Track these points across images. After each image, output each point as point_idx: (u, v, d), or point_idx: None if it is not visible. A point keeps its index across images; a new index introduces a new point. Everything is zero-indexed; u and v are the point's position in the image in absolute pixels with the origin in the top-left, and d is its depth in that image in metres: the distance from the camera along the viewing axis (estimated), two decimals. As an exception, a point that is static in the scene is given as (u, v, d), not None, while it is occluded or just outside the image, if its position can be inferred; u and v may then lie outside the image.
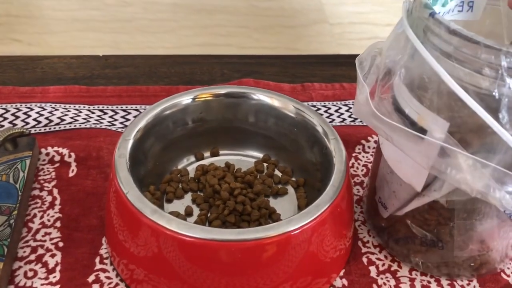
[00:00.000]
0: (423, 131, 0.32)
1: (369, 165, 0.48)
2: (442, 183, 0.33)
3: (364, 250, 0.40)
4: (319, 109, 0.54)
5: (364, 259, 0.40)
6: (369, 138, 0.50)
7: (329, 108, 0.54)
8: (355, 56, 0.72)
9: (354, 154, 0.49)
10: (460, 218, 0.34)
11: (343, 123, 0.52)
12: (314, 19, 1.96)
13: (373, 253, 0.40)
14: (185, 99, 0.41)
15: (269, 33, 1.87)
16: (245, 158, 0.45)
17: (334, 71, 0.61)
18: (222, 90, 0.42)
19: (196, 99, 0.41)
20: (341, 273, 0.38)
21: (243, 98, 0.42)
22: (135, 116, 0.52)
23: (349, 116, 0.53)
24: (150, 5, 1.96)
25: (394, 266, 0.39)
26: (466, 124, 0.30)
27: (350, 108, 0.54)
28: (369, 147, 0.49)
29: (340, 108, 0.54)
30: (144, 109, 0.52)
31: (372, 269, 0.39)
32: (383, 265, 0.39)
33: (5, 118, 0.50)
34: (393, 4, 2.07)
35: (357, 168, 0.47)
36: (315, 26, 1.93)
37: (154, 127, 0.40)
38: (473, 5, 0.37)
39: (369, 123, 0.34)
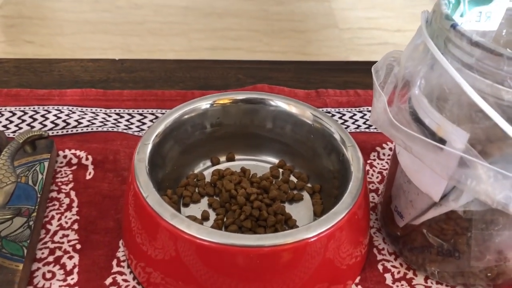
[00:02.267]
0: (442, 141, 0.32)
1: (384, 172, 0.48)
2: (460, 193, 0.33)
3: (379, 257, 0.40)
4: (333, 115, 0.54)
5: (380, 267, 0.40)
6: (384, 145, 0.50)
7: (344, 115, 0.54)
8: (368, 62, 0.72)
9: (369, 161, 0.49)
10: (477, 229, 0.34)
11: (357, 130, 0.52)
12: (324, 24, 1.97)
13: (388, 261, 0.40)
14: (204, 104, 0.41)
15: (279, 37, 1.87)
16: (260, 164, 0.46)
17: (346, 78, 0.62)
18: (241, 95, 0.42)
19: (215, 104, 0.42)
20: (357, 280, 0.39)
21: (261, 104, 0.42)
22: (151, 120, 0.52)
23: (364, 123, 0.53)
24: (160, 8, 1.98)
25: (410, 274, 0.39)
26: (487, 135, 0.30)
27: (364, 115, 0.54)
28: (384, 154, 0.49)
29: (354, 114, 0.54)
30: (162, 113, 0.53)
31: (388, 276, 0.39)
32: (399, 272, 0.39)
33: (23, 120, 0.51)
34: (403, 10, 2.07)
35: (372, 175, 0.48)
36: (325, 31, 1.94)
37: (172, 131, 0.40)
38: (491, 15, 0.37)
39: (387, 132, 0.35)
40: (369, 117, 0.53)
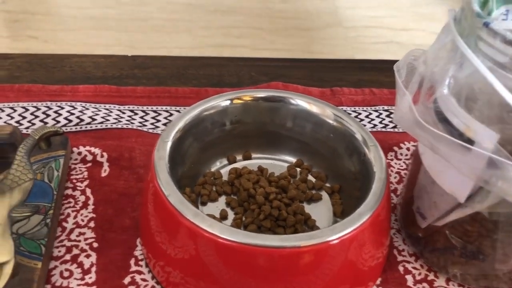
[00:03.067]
0: (470, 141, 0.31)
1: (402, 172, 0.47)
2: (486, 194, 0.33)
3: (400, 258, 0.40)
4: (349, 114, 0.54)
5: (400, 268, 0.39)
6: (401, 145, 0.50)
7: (360, 114, 0.54)
8: (382, 61, 0.72)
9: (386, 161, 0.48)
10: (504, 231, 0.34)
11: (374, 129, 0.52)
12: (328, 22, 1.96)
13: (409, 262, 0.40)
14: (224, 101, 0.41)
15: (283, 35, 1.87)
16: (277, 163, 0.45)
17: (360, 76, 0.61)
18: (261, 93, 0.42)
19: (235, 101, 0.41)
20: (378, 282, 0.38)
21: (281, 102, 0.41)
22: (165, 117, 0.52)
23: (380, 122, 0.53)
24: (165, 5, 1.97)
25: (431, 276, 0.39)
26: (519, 136, 0.29)
27: (380, 114, 0.54)
28: (401, 154, 0.49)
29: (370, 113, 0.54)
30: (176, 110, 0.53)
31: (409, 278, 0.39)
32: (420, 274, 0.39)
33: (36, 116, 0.50)
34: (408, 9, 2.06)
35: (390, 175, 0.47)
36: (329, 29, 1.93)
37: (192, 128, 0.40)
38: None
39: (412, 131, 0.34)
40: (392, 116, 0.53)
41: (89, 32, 1.74)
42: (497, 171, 0.30)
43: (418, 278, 0.39)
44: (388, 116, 0.54)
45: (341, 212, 0.41)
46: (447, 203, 0.35)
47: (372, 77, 0.61)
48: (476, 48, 0.30)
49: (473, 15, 0.30)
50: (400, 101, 0.35)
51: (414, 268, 0.39)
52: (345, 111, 0.52)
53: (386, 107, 0.55)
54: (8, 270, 0.32)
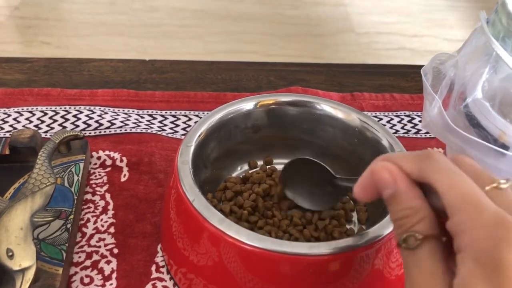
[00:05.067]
0: (504, 147, 0.30)
1: (426, 179, 0.46)
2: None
3: (426, 267, 0.39)
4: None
5: (428, 277, 0.38)
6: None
7: (381, 119, 0.53)
8: (401, 66, 0.70)
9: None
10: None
11: (396, 135, 0.51)
12: (340, 28, 1.96)
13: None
14: (248, 104, 0.40)
15: (295, 41, 1.87)
16: (299, 168, 0.44)
17: (381, 81, 0.60)
18: (285, 97, 0.41)
19: (259, 105, 0.40)
20: (405, 291, 0.37)
21: (305, 107, 0.41)
22: (184, 122, 0.51)
23: (402, 128, 0.52)
24: (176, 11, 1.98)
25: (459, 286, 0.38)
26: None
27: (402, 119, 0.53)
28: (424, 161, 0.48)
29: (392, 119, 0.53)
30: (195, 115, 0.52)
31: None
32: (448, 284, 0.38)
33: (55, 120, 0.50)
34: (420, 15, 2.06)
35: (413, 181, 0.46)
36: (341, 35, 1.93)
37: (214, 132, 0.39)
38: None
39: (442, 137, 0.33)
40: (420, 121, 0.52)
41: (101, 38, 1.76)
42: (534, 177, 0.29)
43: (446, 287, 0.37)
44: (410, 121, 0.53)
45: (366, 219, 0.40)
46: None
47: (393, 82, 0.60)
48: None
49: (509, 16, 0.29)
50: (429, 106, 0.34)
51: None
52: (370, 116, 0.51)
53: (407, 113, 0.54)
54: (30, 275, 0.32)
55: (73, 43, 1.74)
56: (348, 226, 0.39)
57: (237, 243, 0.31)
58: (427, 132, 0.51)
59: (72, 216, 0.38)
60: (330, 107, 0.40)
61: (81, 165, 0.43)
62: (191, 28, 1.86)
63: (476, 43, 0.33)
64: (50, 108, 0.51)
